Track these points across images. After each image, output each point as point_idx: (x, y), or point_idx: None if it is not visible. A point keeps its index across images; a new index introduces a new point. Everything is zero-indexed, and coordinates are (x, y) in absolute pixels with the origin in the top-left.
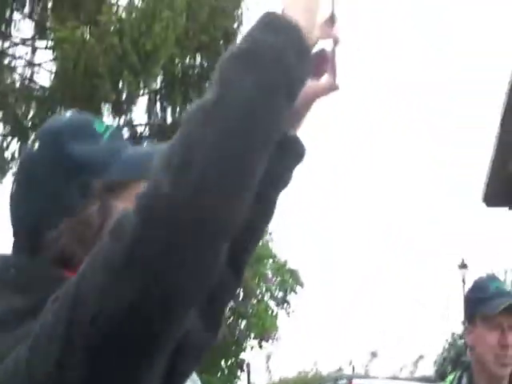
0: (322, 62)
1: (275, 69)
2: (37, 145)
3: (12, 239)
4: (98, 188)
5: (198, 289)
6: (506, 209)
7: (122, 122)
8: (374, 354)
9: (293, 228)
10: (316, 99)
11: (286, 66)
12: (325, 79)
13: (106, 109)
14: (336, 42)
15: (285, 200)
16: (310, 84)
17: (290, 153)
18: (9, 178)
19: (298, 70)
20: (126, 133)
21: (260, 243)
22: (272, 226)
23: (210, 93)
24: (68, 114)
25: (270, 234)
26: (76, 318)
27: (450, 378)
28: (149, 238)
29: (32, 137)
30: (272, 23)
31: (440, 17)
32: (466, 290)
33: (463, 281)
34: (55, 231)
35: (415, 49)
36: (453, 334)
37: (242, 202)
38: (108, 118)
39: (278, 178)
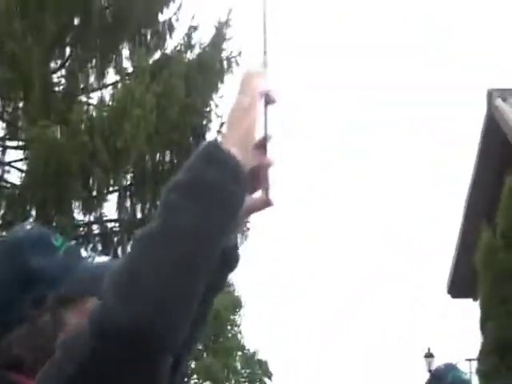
0: (254, 180)
1: (216, 197)
2: None
3: None
4: (50, 301)
5: None
6: (470, 300)
7: (92, 218)
8: None
9: (262, 319)
10: (251, 213)
11: (227, 195)
12: (259, 196)
13: (77, 206)
14: (268, 165)
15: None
16: (246, 200)
17: (229, 261)
18: None
19: (236, 196)
20: (96, 229)
21: (229, 335)
22: (240, 317)
23: (155, 220)
24: (28, 226)
25: (239, 325)
26: None
27: None
28: (99, 357)
29: None
30: (212, 155)
31: (440, 17)
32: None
33: (429, 370)
34: (7, 338)
35: (415, 48)
36: None
37: (184, 321)
38: (78, 215)
39: (215, 285)
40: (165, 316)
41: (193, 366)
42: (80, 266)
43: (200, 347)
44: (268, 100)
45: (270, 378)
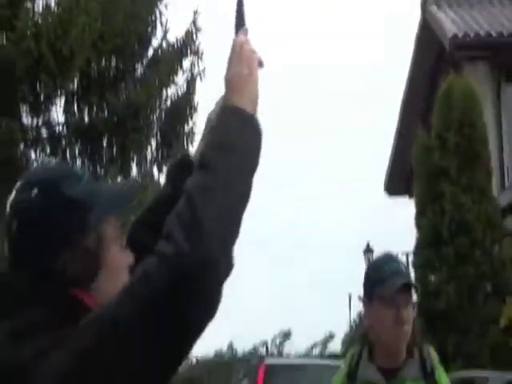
0: None
1: (249, 148)
2: (34, 191)
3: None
4: (91, 221)
5: (208, 320)
6: (406, 197)
7: (40, 122)
8: (286, 335)
9: None
10: None
11: (255, 146)
12: None
13: (24, 110)
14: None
15: None
16: None
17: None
18: None
19: (260, 145)
20: (45, 133)
21: None
22: None
23: (207, 170)
24: (53, 163)
25: None
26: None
27: (352, 351)
28: (174, 285)
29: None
30: (243, 119)
31: None
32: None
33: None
34: (60, 260)
35: None
36: (359, 314)
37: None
38: (26, 119)
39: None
40: (226, 253)
41: None
42: (102, 188)
43: None
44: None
45: None
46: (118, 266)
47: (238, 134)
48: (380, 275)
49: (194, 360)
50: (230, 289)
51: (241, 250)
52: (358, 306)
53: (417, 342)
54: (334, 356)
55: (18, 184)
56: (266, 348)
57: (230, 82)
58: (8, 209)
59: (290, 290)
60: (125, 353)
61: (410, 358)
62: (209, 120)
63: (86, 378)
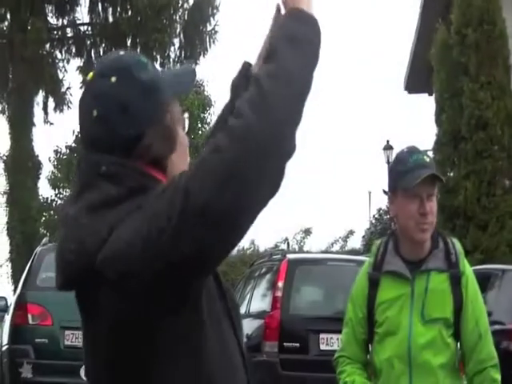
0: None
1: (310, 46)
2: (113, 79)
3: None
4: (165, 102)
5: (270, 197)
6: (426, 95)
7: (65, 22)
8: (307, 232)
9: None
10: None
11: (316, 44)
12: None
13: (50, 10)
14: None
15: None
16: None
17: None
18: None
19: (317, 40)
20: (70, 32)
21: (199, 132)
22: (210, 115)
23: (272, 62)
24: (121, 52)
25: (209, 123)
26: (187, 208)
27: (377, 242)
28: (243, 156)
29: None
30: (301, 17)
31: None
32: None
33: (388, 162)
34: (146, 139)
35: None
36: (379, 210)
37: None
38: (52, 19)
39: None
40: (291, 129)
41: None
42: (165, 72)
43: None
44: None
45: None
46: (185, 145)
47: (302, 30)
48: (404, 167)
49: None
50: None
51: None
52: (378, 203)
53: (440, 232)
54: (353, 251)
55: (94, 72)
56: (288, 244)
57: None
58: (86, 96)
59: (309, 189)
60: (193, 222)
61: (434, 249)
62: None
63: (150, 239)
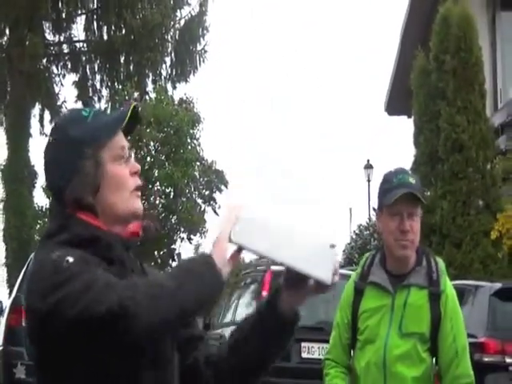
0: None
1: (198, 283)
2: (51, 138)
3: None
4: (90, 152)
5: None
6: (405, 117)
7: (62, 38)
8: None
9: (219, 133)
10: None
11: (207, 284)
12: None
13: (47, 27)
14: None
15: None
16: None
17: (285, 328)
18: None
19: (213, 285)
20: (66, 48)
21: (189, 147)
22: (199, 131)
23: (171, 280)
24: (70, 109)
25: (198, 139)
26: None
27: (366, 255)
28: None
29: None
30: (204, 264)
31: None
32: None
33: (368, 180)
34: (69, 188)
35: None
36: (359, 226)
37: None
38: (49, 36)
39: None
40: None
41: (156, 174)
42: (101, 119)
43: (162, 157)
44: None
45: (225, 185)
46: (117, 181)
47: (201, 277)
48: (389, 185)
49: None
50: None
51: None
52: (359, 219)
53: (425, 251)
54: None
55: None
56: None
57: (218, 240)
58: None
59: (289, 204)
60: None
61: (417, 265)
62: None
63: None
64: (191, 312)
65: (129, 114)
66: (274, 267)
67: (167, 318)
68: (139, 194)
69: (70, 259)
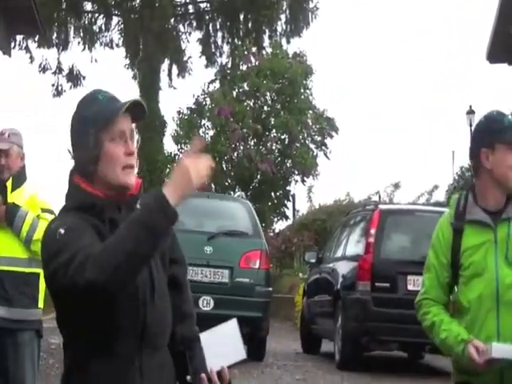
0: None
1: (150, 229)
2: (73, 114)
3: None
4: (92, 131)
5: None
6: (506, 65)
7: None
8: (396, 185)
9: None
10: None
11: (159, 230)
12: None
13: None
14: None
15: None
16: None
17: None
18: (97, 48)
19: (162, 229)
20: (191, 9)
21: (302, 97)
22: (312, 82)
23: (123, 230)
24: (89, 91)
25: (310, 89)
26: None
27: (455, 196)
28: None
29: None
30: (159, 203)
31: None
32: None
33: (470, 125)
34: (77, 156)
35: None
36: (461, 168)
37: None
38: None
39: None
40: (115, 281)
41: (272, 122)
42: (110, 106)
43: (278, 106)
44: None
45: (336, 132)
46: (110, 157)
47: (150, 221)
48: (501, 125)
49: (317, 205)
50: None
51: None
52: (461, 161)
53: None
54: (438, 203)
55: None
56: (379, 196)
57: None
58: None
59: (399, 147)
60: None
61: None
62: None
63: None
64: (143, 249)
65: (125, 107)
66: (381, 206)
67: (118, 267)
68: (131, 171)
69: (62, 231)
